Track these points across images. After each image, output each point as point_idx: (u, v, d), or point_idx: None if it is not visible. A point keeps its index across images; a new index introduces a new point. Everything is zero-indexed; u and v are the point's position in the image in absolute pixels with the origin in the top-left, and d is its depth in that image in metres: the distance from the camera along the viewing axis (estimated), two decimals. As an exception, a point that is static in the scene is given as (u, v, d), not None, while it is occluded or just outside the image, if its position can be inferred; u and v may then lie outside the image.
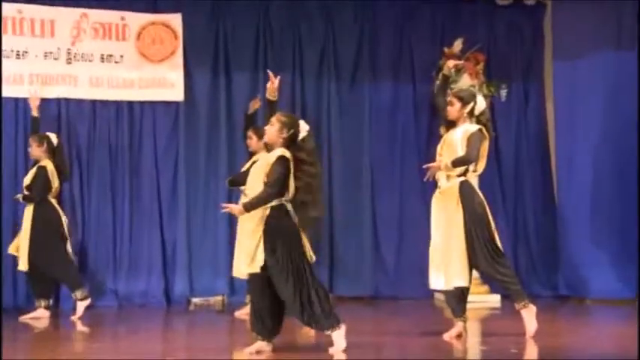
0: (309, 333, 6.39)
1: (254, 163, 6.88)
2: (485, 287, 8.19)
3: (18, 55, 8.94)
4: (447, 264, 6.57)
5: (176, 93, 9.19)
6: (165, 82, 9.22)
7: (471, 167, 6.59)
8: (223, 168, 9.04)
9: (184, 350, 6.67)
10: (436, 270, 6.60)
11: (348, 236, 9.34)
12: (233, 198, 8.14)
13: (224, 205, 6.52)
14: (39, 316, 7.94)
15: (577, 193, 9.02)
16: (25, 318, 7.88)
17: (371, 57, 9.59)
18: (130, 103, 9.13)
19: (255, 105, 7.79)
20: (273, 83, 6.49)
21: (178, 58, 9.22)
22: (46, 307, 8.04)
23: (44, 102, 8.43)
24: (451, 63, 8.77)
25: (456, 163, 6.48)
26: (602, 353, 6.17)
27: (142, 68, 9.16)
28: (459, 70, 8.81)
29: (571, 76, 9.06)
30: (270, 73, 6.58)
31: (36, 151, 8.11)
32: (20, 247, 8.10)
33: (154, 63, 9.20)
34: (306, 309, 5.95)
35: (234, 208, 6.15)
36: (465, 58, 8.87)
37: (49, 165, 8.10)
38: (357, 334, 6.09)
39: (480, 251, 6.50)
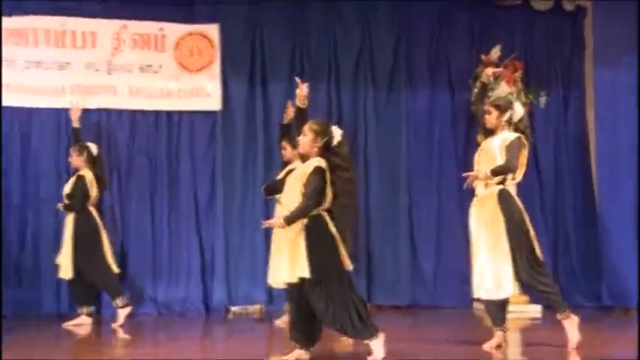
0: (347, 342, 6.41)
1: (289, 171, 6.96)
2: (526, 297, 8.14)
3: (60, 66, 9.03)
4: (490, 273, 6.55)
5: (213, 102, 9.24)
6: (203, 92, 9.29)
7: (510, 175, 6.56)
8: (260, 176, 9.02)
9: (223, 358, 6.67)
10: (479, 279, 6.58)
11: (385, 245, 9.30)
12: (270, 206, 8.17)
13: (265, 222, 6.53)
14: (81, 323, 8.00)
15: (619, 200, 8.90)
16: (67, 325, 7.94)
17: (407, 64, 9.56)
18: (169, 113, 9.21)
19: (289, 114, 7.75)
20: (302, 90, 6.49)
21: (216, 67, 9.26)
22: (88, 315, 8.11)
23: (85, 112, 8.53)
24: (489, 70, 8.74)
25: (496, 171, 6.46)
26: None
27: (180, 78, 9.22)
28: (496, 78, 8.72)
29: (612, 82, 8.94)
30: (298, 80, 6.60)
31: (76, 160, 8.20)
32: (62, 255, 8.14)
33: (192, 73, 9.26)
34: (344, 318, 5.94)
35: (275, 222, 6.15)
36: (502, 66, 8.85)
37: (88, 174, 8.19)
38: (395, 343, 6.09)
39: (519, 261, 6.44)
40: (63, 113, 8.68)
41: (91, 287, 8.24)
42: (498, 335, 6.50)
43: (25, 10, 8.93)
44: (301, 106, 6.53)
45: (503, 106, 6.69)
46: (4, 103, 8.86)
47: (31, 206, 8.93)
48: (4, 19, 8.94)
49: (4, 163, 8.91)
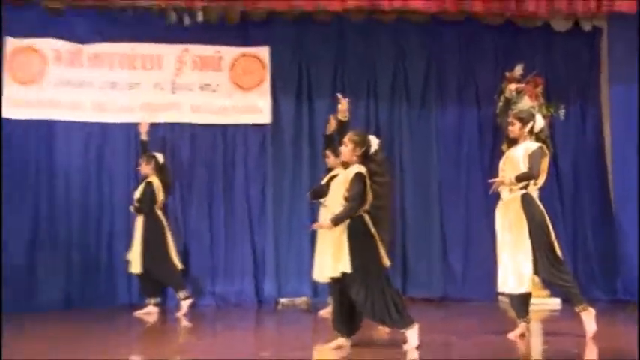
0: (384, 330, 6.40)
1: (332, 177, 6.94)
2: (546, 291, 8.03)
3: (131, 86, 9.11)
4: (512, 270, 6.51)
5: (264, 117, 9.21)
6: (255, 108, 9.25)
7: (532, 181, 6.52)
8: (306, 183, 8.99)
9: (274, 345, 6.68)
10: (503, 275, 6.54)
11: (419, 244, 9.21)
12: (314, 209, 8.22)
13: (315, 224, 6.67)
14: (149, 312, 8.12)
15: (633, 204, 8.59)
16: (138, 313, 8.07)
17: (437, 83, 9.48)
18: (224, 127, 9.23)
19: (332, 126, 7.60)
20: (343, 105, 6.50)
21: (266, 86, 9.23)
22: (156, 305, 8.19)
23: (152, 126, 8.60)
24: (512, 86, 9.19)
25: (520, 178, 6.44)
26: None
27: (235, 96, 9.23)
28: (519, 93, 8.77)
29: (627, 98, 8.71)
30: (339, 96, 6.62)
31: (145, 168, 8.32)
32: (132, 252, 8.27)
33: (245, 91, 9.25)
34: (382, 309, 5.92)
35: (324, 225, 6.23)
36: (525, 82, 8.79)
37: (156, 181, 8.29)
38: (428, 333, 6.09)
39: (540, 259, 6.41)
40: (133, 128, 8.74)
41: (157, 281, 8.32)
42: (521, 326, 6.47)
43: (103, 37, 9.06)
44: (342, 119, 6.53)
45: (525, 118, 6.66)
46: (84, 120, 8.98)
47: (107, 210, 9.02)
48: (87, 46, 9.05)
49: (82, 172, 9.00)
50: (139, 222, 8.27)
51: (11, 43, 8.96)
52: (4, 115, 8.85)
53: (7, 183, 8.64)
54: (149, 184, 8.28)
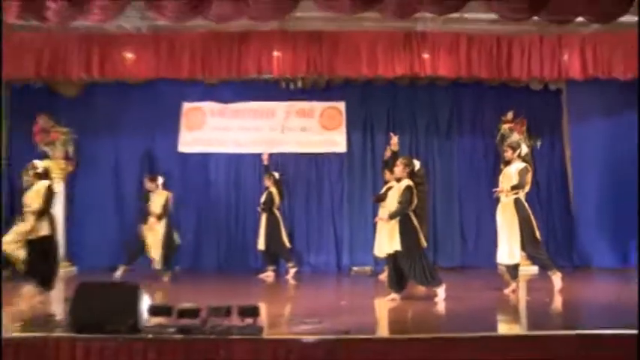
0: (422, 289, 6.49)
1: (389, 188, 7.11)
2: (529, 262, 7.74)
3: (256, 129, 9.40)
4: (507, 247, 6.69)
5: (342, 148, 9.42)
6: (335, 142, 9.44)
7: (521, 189, 6.73)
8: (369, 191, 9.17)
9: (348, 297, 6.86)
10: (501, 250, 6.75)
11: (445, 231, 9.28)
12: (375, 208, 8.31)
13: (377, 217, 6.92)
14: (268, 275, 8.35)
15: (587, 202, 9.09)
16: (261, 276, 8.33)
17: (457, 122, 9.60)
18: (316, 155, 9.48)
19: (387, 153, 7.60)
20: (394, 140, 6.81)
21: (343, 127, 9.44)
22: (273, 270, 8.43)
23: (270, 155, 8.75)
24: (506, 126, 8.99)
25: (514, 187, 6.73)
26: (602, 305, 6.16)
27: (322, 134, 9.43)
28: (511, 130, 8.87)
29: (581, 133, 9.16)
30: (392, 134, 6.98)
31: (267, 182, 8.48)
32: (260, 235, 8.44)
33: (329, 130, 9.43)
34: (421, 275, 6.15)
35: (384, 218, 6.45)
36: (514, 123, 8.91)
37: (274, 190, 8.43)
38: (450, 290, 6.31)
39: (526, 240, 6.67)
40: (258, 156, 8.98)
41: (274, 254, 8.49)
42: (513, 285, 6.71)
43: (240, 98, 9.38)
44: (394, 149, 6.81)
45: (515, 147, 7.00)
46: (228, 151, 9.35)
47: (242, 209, 9.38)
48: (230, 105, 9.40)
49: (227, 185, 9.30)
50: (264, 217, 8.49)
51: (185, 105, 9.28)
52: (180, 149, 9.20)
53: (183, 190, 8.98)
54: (269, 193, 8.51)
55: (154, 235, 8.11)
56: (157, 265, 8.08)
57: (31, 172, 6.69)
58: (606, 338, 4.50)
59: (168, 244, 8.16)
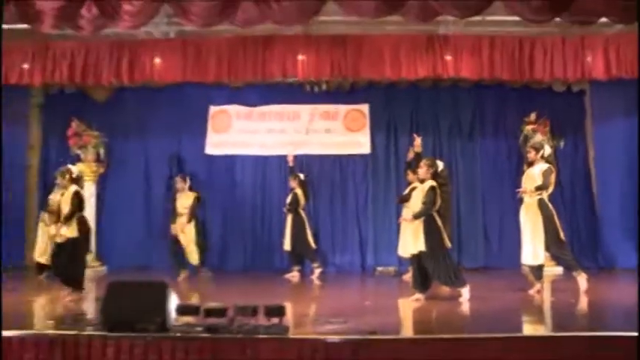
0: (446, 289, 6.47)
1: (412, 189, 7.06)
2: (553, 262, 7.56)
3: (281, 131, 9.42)
4: (532, 248, 6.62)
5: (365, 149, 9.38)
6: (359, 144, 9.41)
7: (545, 190, 6.66)
8: (393, 191, 9.12)
9: (372, 297, 6.89)
10: (525, 251, 6.69)
11: (468, 232, 9.19)
12: (399, 208, 8.22)
13: (401, 218, 6.85)
14: (294, 275, 8.36)
15: (610, 201, 8.95)
16: (286, 276, 8.34)
17: (480, 123, 9.53)
18: (340, 156, 9.46)
19: (410, 155, 7.61)
20: (417, 141, 6.67)
21: (367, 129, 9.40)
22: (298, 270, 8.44)
23: (295, 157, 8.73)
24: (529, 127, 8.84)
25: (538, 188, 6.66)
26: (628, 306, 5.80)
27: (346, 135, 9.41)
28: (534, 131, 8.78)
29: (605, 134, 9.06)
30: (415, 135, 6.87)
31: (292, 183, 8.49)
32: (286, 235, 8.42)
33: (353, 132, 9.40)
34: (445, 275, 6.13)
35: (408, 218, 6.43)
36: (537, 124, 8.84)
37: (299, 191, 8.44)
38: (474, 290, 6.27)
39: (550, 240, 6.58)
40: (283, 158, 8.99)
41: (299, 255, 8.48)
42: (537, 285, 6.65)
43: (265, 102, 9.40)
44: (417, 151, 6.70)
45: (538, 148, 6.92)
46: (254, 153, 9.37)
47: (268, 210, 9.40)
48: (255, 108, 9.43)
49: (253, 186, 9.33)
50: (289, 218, 8.49)
51: (212, 108, 9.35)
52: (207, 152, 9.27)
53: (210, 191, 8.99)
54: (295, 194, 8.49)
55: (185, 236, 8.23)
56: (195, 263, 8.22)
57: (67, 177, 6.76)
58: (633, 340, 4.34)
59: (200, 243, 8.26)
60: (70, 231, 6.58)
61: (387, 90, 9.45)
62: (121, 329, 4.47)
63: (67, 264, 6.55)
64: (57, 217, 6.79)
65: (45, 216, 8.08)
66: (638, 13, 6.07)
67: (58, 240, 6.63)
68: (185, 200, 8.34)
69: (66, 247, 6.57)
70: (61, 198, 6.78)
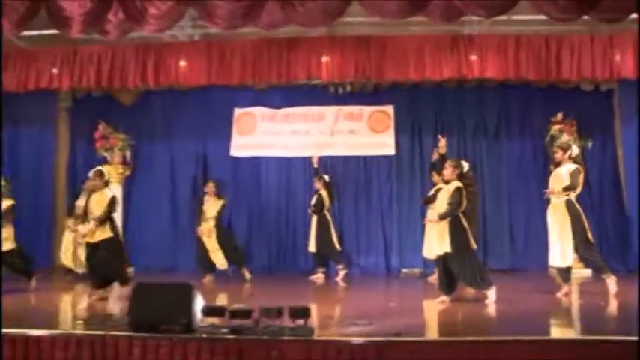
0: (472, 291, 6.40)
1: (437, 190, 7.07)
2: (582, 264, 7.49)
3: (306, 132, 9.49)
4: (560, 251, 6.52)
5: (390, 150, 9.40)
6: (384, 144, 9.43)
7: (572, 191, 6.58)
8: (418, 193, 9.10)
9: (398, 299, 6.85)
10: (553, 253, 6.59)
11: (494, 233, 9.15)
12: (424, 210, 8.19)
13: (427, 219, 6.77)
14: (318, 277, 8.35)
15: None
16: (311, 277, 8.34)
17: (505, 124, 9.51)
18: (365, 157, 9.49)
19: (435, 156, 7.55)
20: (442, 142, 6.60)
21: (391, 130, 9.42)
22: (322, 272, 8.43)
23: (320, 158, 8.74)
24: (556, 127, 8.74)
25: (566, 188, 6.58)
26: None
27: (371, 136, 9.44)
28: (561, 131, 8.75)
29: (634, 134, 8.78)
30: (439, 136, 6.79)
31: (317, 184, 8.48)
32: (310, 237, 8.45)
33: (378, 133, 9.42)
34: (471, 277, 6.09)
35: (433, 220, 6.36)
36: (564, 124, 8.80)
37: (324, 193, 8.40)
38: (500, 292, 6.21)
39: (578, 242, 6.49)
40: (308, 159, 9.03)
41: (324, 256, 8.46)
42: (565, 287, 6.56)
43: (289, 103, 9.50)
44: (442, 152, 6.61)
45: (566, 148, 6.85)
46: (278, 155, 9.42)
47: (292, 211, 9.45)
48: (280, 110, 9.50)
49: (277, 187, 9.36)
50: (314, 220, 8.53)
51: (237, 111, 9.44)
52: (232, 154, 9.32)
53: (235, 193, 9.11)
54: (320, 195, 8.51)
55: (210, 240, 8.15)
56: (223, 267, 8.15)
57: (99, 179, 6.76)
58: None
59: (226, 247, 8.18)
60: (104, 232, 6.55)
61: (412, 91, 9.47)
62: (146, 329, 4.47)
63: (108, 262, 6.54)
64: (83, 219, 6.76)
65: (70, 222, 8.18)
66: (639, 13, 6.02)
67: (91, 240, 6.56)
68: (212, 206, 8.24)
69: (104, 246, 6.54)
70: (91, 198, 6.73)
